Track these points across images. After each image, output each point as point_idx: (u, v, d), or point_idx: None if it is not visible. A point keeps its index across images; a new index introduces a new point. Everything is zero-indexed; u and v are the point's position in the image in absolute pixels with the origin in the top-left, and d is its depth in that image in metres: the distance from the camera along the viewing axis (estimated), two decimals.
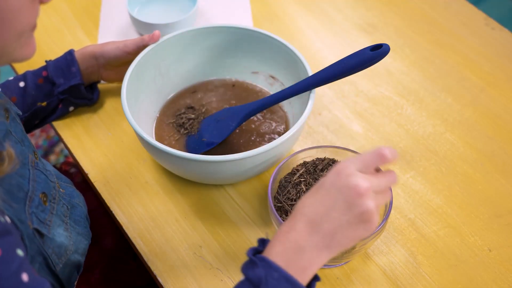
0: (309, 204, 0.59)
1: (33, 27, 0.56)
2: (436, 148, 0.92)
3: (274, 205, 0.77)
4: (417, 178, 0.89)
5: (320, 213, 0.58)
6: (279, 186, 0.80)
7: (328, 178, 0.59)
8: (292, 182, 0.79)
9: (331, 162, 0.81)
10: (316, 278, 0.61)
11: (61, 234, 0.72)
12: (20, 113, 0.76)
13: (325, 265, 0.78)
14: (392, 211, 0.84)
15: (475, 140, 0.93)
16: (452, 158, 0.91)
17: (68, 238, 0.74)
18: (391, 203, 0.74)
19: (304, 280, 0.58)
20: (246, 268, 0.59)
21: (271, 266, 0.57)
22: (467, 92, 1.00)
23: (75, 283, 0.78)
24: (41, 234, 0.67)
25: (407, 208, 0.85)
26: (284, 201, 0.78)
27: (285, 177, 0.80)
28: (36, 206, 0.67)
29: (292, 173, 0.81)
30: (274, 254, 0.58)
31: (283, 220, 0.75)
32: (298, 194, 0.78)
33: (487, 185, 0.88)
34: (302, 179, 0.79)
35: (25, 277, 0.53)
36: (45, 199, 0.70)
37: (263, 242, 0.62)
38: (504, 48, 1.07)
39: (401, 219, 0.84)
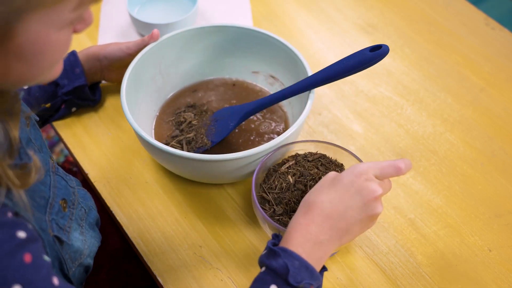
0: (328, 200, 0.65)
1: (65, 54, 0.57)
2: (436, 148, 0.92)
3: (257, 193, 0.77)
4: (417, 178, 0.88)
5: (339, 210, 0.64)
6: (266, 175, 0.80)
7: (347, 177, 0.65)
8: (279, 172, 0.79)
9: (322, 158, 0.80)
10: (323, 268, 0.66)
11: (78, 239, 0.72)
12: (37, 118, 0.75)
13: None
14: (392, 211, 0.84)
15: (475, 140, 0.93)
16: (452, 158, 0.91)
17: (83, 242, 0.73)
18: None
19: (318, 269, 0.64)
20: (268, 258, 0.62)
21: (292, 256, 0.61)
22: (467, 92, 1.00)
23: (83, 284, 0.78)
24: (60, 241, 0.67)
25: (407, 208, 0.85)
26: (266, 190, 0.77)
27: (273, 166, 0.80)
28: (56, 213, 0.66)
29: (282, 163, 0.81)
30: (295, 244, 0.63)
31: (263, 209, 0.75)
32: (282, 185, 0.78)
33: (487, 185, 0.88)
34: (290, 170, 0.79)
35: (55, 281, 0.54)
36: (64, 205, 0.69)
37: (277, 237, 0.66)
38: (504, 48, 1.07)
39: (401, 219, 0.84)
